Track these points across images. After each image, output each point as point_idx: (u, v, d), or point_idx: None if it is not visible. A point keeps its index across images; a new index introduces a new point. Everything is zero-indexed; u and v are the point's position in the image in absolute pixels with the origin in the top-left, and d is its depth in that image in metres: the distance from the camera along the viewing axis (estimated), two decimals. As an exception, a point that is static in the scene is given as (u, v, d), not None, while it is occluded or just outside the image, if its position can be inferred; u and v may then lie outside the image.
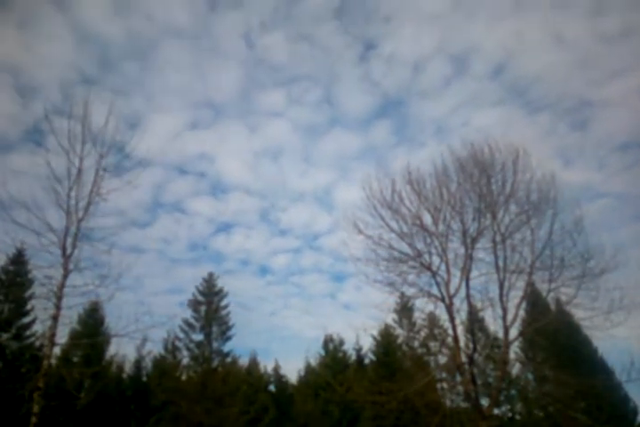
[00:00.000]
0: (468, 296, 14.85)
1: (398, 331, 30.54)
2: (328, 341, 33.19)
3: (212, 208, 60.83)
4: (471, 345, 16.19)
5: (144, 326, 12.96)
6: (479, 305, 15.56)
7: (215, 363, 29.22)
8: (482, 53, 47.72)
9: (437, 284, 15.01)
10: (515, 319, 14.68)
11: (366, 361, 32.16)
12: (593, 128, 46.78)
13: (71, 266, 12.85)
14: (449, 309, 14.79)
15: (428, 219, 15.30)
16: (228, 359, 30.16)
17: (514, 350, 22.98)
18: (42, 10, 47.97)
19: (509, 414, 26.69)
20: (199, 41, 58.62)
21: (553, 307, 20.69)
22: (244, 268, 60.00)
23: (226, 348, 30.09)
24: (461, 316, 15.11)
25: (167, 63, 57.51)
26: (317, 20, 58.12)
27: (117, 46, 54.47)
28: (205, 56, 60.20)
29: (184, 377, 28.95)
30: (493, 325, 16.25)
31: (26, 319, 25.41)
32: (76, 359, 26.59)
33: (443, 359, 23.13)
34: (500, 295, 14.66)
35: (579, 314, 14.92)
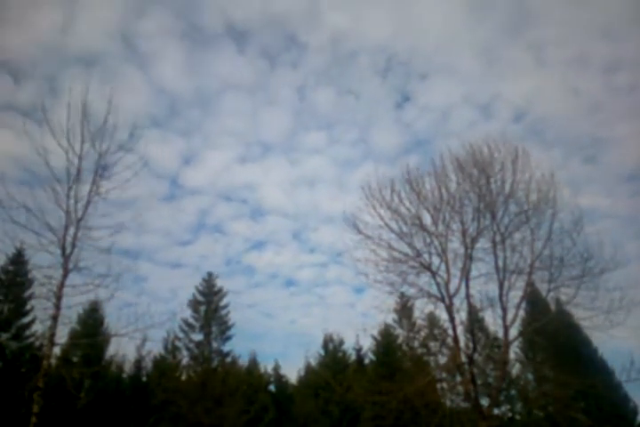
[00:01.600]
0: (467, 296, 14.86)
1: (398, 331, 30.54)
2: (328, 341, 33.15)
3: (249, 229, 66.27)
4: (471, 345, 16.18)
5: (144, 325, 12.96)
6: (479, 305, 15.58)
7: (215, 363, 29.21)
8: (505, 102, 52.20)
9: (437, 284, 15.02)
10: (515, 319, 14.69)
11: (366, 361, 32.14)
12: (602, 162, 49.96)
13: (71, 266, 12.83)
14: (449, 309, 14.79)
15: (427, 219, 15.33)
16: (228, 359, 30.16)
17: (514, 350, 22.98)
18: (125, 68, 54.94)
19: (509, 414, 26.66)
20: (257, 93, 67.93)
21: (553, 307, 20.69)
22: (272, 280, 64.65)
23: (225, 348, 30.11)
24: (461, 316, 15.13)
25: (226, 110, 65.67)
26: (364, 78, 65.13)
27: (185, 97, 64.10)
28: (260, 105, 67.79)
29: (184, 377, 28.93)
30: (493, 325, 16.30)
31: (25, 319, 25.40)
32: (75, 359, 26.56)
33: (443, 359, 23.10)
34: (500, 295, 14.65)
35: (579, 314, 14.96)
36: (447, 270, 15.01)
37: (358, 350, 32.91)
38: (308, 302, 59.51)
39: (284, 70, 67.24)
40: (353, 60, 62.63)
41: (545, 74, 52.06)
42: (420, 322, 28.36)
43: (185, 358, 29.67)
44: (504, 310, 14.56)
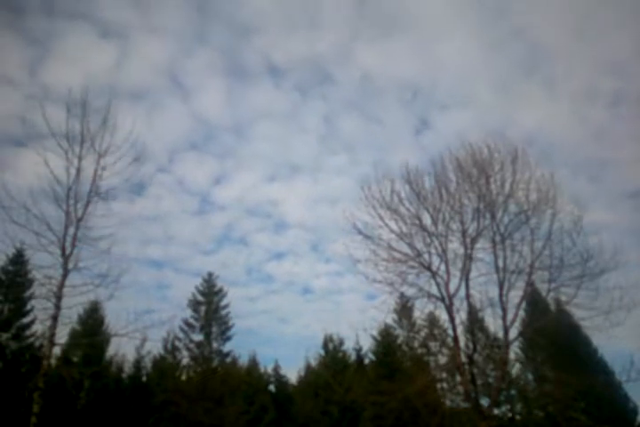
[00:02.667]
0: (467, 296, 14.85)
1: (398, 331, 30.52)
2: (328, 341, 33.12)
3: (271, 241, 69.92)
4: (471, 345, 16.19)
5: (143, 325, 13.01)
6: (479, 305, 15.56)
7: (215, 363, 29.20)
8: (517, 129, 56.26)
9: (437, 284, 15.00)
10: (515, 319, 14.68)
11: (366, 361, 32.12)
12: (606, 181, 53.02)
13: (70, 266, 12.88)
14: (449, 309, 14.78)
15: (427, 219, 15.31)
16: (228, 359, 30.16)
17: (514, 350, 22.92)
18: (168, 100, 62.52)
19: (509, 415, 26.64)
20: (288, 121, 73.10)
21: (553, 307, 20.64)
22: (289, 288, 68.00)
23: (226, 348, 30.10)
24: (461, 316, 15.12)
25: (258, 136, 70.60)
26: (388, 108, 68.74)
27: (222, 125, 71.03)
28: (290, 131, 72.23)
29: (184, 377, 28.94)
30: (493, 325, 16.24)
31: (26, 319, 25.38)
32: (75, 359, 26.58)
33: (443, 359, 23.14)
34: (500, 295, 14.64)
35: (579, 314, 14.90)
36: (447, 270, 15.01)
37: (358, 350, 32.89)
38: (323, 308, 62.40)
39: (314, 101, 72.82)
40: (379, 93, 67.28)
41: (555, 104, 56.11)
42: (420, 322, 28.36)
43: (185, 359, 29.70)
44: (504, 310, 14.55)
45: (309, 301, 65.50)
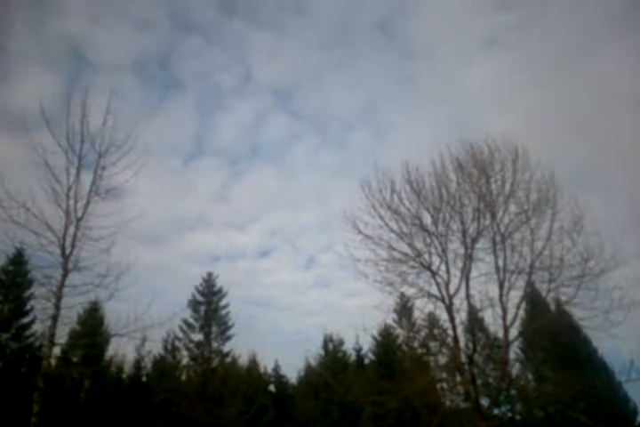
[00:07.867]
0: (467, 296, 14.83)
1: (398, 331, 30.54)
2: (328, 341, 33.13)
3: (349, 286, 74.26)
4: (471, 345, 16.17)
5: (143, 325, 12.97)
6: (479, 305, 15.54)
7: (215, 363, 29.22)
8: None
9: (437, 284, 14.99)
10: (515, 319, 14.65)
11: (366, 361, 32.12)
12: (627, 242, 58.16)
13: (70, 266, 12.83)
14: (449, 309, 14.77)
15: (427, 219, 15.28)
16: (228, 359, 30.18)
17: (514, 350, 22.94)
18: (309, 206, 77.90)
19: (509, 414, 26.65)
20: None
21: (553, 307, 20.67)
22: (353, 317, 70.75)
23: (225, 348, 30.13)
24: (461, 316, 15.10)
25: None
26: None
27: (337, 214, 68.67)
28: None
29: (184, 377, 28.97)
30: (493, 325, 16.21)
31: (25, 319, 25.40)
32: (75, 359, 26.58)
33: (443, 359, 23.13)
34: (500, 295, 14.62)
35: (578, 314, 14.91)
36: (447, 270, 14.99)
37: (358, 350, 32.89)
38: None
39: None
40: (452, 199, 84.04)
41: (588, 198, 61.39)
42: (420, 322, 28.35)
43: (185, 358, 29.73)
44: (504, 310, 14.53)
45: (366, 330, 73.94)
